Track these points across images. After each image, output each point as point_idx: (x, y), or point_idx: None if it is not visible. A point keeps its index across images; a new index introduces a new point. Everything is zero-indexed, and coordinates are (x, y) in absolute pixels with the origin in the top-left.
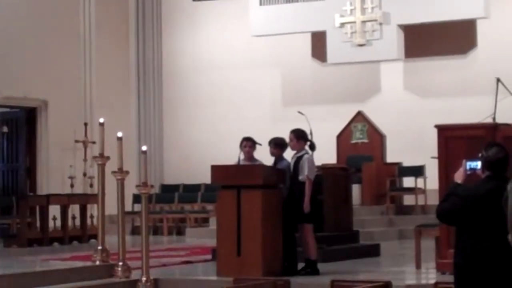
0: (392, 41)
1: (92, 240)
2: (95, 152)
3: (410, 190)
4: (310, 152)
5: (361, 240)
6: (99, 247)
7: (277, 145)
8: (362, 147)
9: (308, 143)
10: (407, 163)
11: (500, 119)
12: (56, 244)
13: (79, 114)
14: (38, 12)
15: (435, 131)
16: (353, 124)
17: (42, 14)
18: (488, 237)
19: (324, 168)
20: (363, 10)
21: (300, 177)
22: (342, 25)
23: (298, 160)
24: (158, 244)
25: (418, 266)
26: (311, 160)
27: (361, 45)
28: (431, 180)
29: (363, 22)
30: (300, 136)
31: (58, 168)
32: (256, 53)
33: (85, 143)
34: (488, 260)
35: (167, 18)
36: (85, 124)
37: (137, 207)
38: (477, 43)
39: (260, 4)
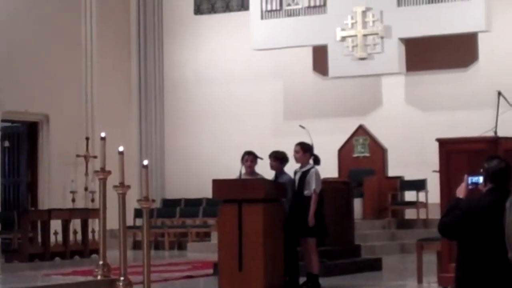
0: (393, 55)
1: (94, 255)
2: (97, 166)
3: (412, 204)
4: (315, 166)
5: (362, 254)
6: (101, 262)
7: (277, 158)
8: (364, 161)
9: (313, 157)
10: (408, 177)
11: (501, 133)
12: (57, 259)
13: (80, 128)
14: (40, 27)
15: (436, 144)
16: (354, 137)
17: (43, 28)
18: (490, 251)
19: (326, 182)
20: (365, 24)
21: (306, 192)
22: (344, 38)
23: (304, 174)
24: (159, 258)
25: (419, 281)
26: (318, 174)
27: (362, 59)
28: (433, 194)
29: (365, 35)
30: (306, 149)
31: (59, 182)
32: (258, 67)
33: (86, 158)
34: (489, 274)
35: (168, 31)
36: (87, 139)
37: (138, 222)
38: (478, 56)
39: (262, 17)
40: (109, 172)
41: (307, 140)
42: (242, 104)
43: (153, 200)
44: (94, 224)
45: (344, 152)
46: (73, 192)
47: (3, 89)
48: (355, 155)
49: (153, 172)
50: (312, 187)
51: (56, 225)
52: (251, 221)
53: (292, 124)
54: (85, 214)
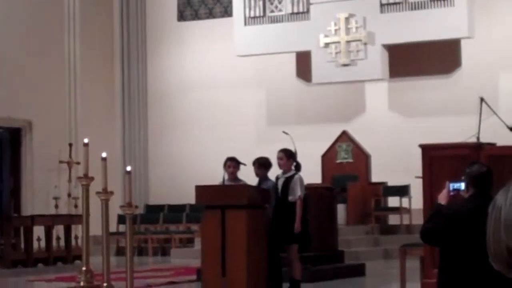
0: (376, 61)
1: (77, 261)
2: (80, 172)
3: (395, 210)
4: (298, 172)
5: (346, 260)
6: (84, 268)
7: (262, 165)
8: (347, 166)
9: (294, 163)
10: (392, 182)
11: (484, 139)
12: (40, 265)
13: (63, 134)
14: (23, 34)
15: (419, 150)
16: (338, 143)
17: (27, 35)
18: (472, 256)
19: (309, 187)
20: (348, 30)
21: (291, 197)
22: (327, 45)
23: (288, 180)
24: (143, 264)
25: (403, 286)
26: (302, 180)
27: (345, 65)
28: (416, 200)
29: (348, 42)
30: (290, 156)
31: (42, 188)
32: (241, 73)
33: (69, 164)
34: (471, 280)
35: (152, 38)
36: (70, 145)
37: (122, 228)
38: (461, 63)
39: (245, 24)
40: (92, 178)
41: (290, 146)
42: (226, 110)
43: (136, 206)
44: (77, 230)
45: (328, 158)
46: (56, 198)
47: None
48: (339, 161)
49: (137, 178)
50: (297, 193)
51: (39, 231)
52: (234, 227)
53: (276, 130)
54: (68, 220)
